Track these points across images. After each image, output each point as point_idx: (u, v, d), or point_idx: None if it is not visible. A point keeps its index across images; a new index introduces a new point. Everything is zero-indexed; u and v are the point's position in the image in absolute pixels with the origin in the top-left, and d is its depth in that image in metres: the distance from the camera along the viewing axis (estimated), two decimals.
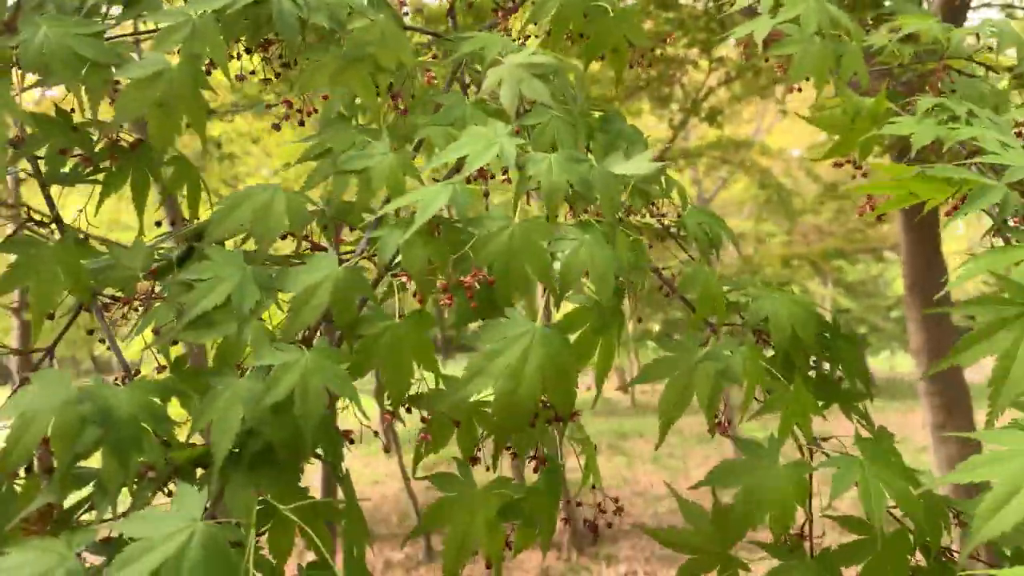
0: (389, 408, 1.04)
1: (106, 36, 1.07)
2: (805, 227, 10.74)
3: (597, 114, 1.44)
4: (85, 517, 0.99)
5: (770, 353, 1.35)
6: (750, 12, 1.73)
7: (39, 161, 1.12)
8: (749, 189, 10.35)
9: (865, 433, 1.27)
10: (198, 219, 1.22)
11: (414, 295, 1.14)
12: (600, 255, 1.08)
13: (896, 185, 1.21)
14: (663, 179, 1.35)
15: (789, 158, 10.88)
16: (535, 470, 1.11)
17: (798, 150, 11.51)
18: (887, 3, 1.90)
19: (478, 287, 1.01)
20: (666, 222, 1.40)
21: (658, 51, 1.68)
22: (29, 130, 1.05)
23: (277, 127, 1.17)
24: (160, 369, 1.05)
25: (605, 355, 1.13)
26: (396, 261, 1.08)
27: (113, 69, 1.04)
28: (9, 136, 0.96)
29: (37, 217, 1.11)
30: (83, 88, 1.06)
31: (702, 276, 1.28)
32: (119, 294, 1.07)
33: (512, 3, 1.40)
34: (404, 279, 1.05)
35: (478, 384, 1.00)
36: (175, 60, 1.08)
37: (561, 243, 1.08)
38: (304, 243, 1.15)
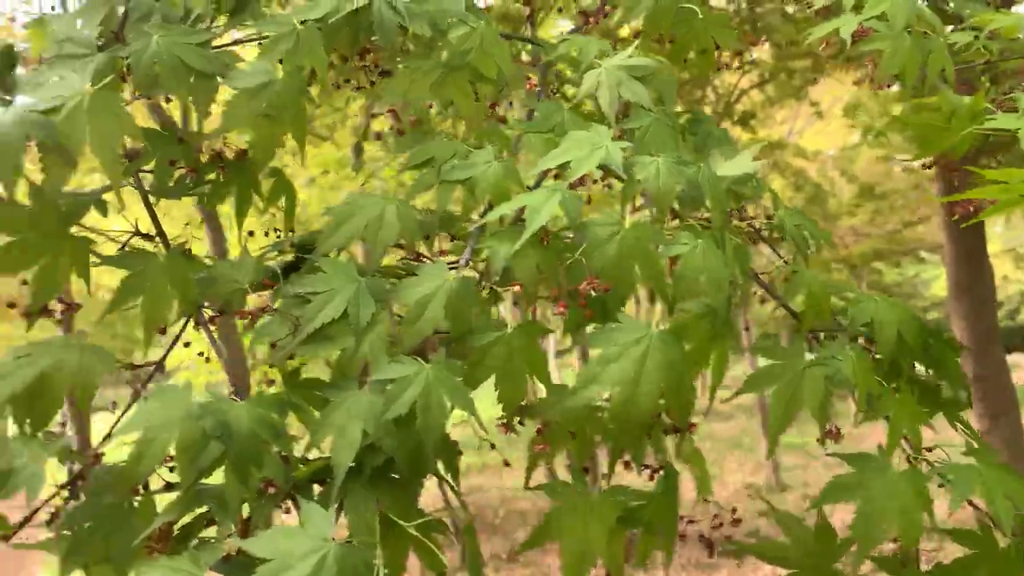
0: (503, 419, 1.02)
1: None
2: (841, 229, 10.61)
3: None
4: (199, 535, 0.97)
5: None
6: (826, 12, 1.70)
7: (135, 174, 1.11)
8: (783, 191, 10.25)
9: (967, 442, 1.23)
10: (292, 231, 1.20)
11: (514, 303, 1.12)
12: (714, 260, 1.05)
13: (1005, 189, 1.17)
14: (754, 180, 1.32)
15: (825, 159, 10.76)
16: (650, 479, 1.08)
17: (832, 151, 11.39)
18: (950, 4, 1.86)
19: (593, 294, 0.99)
20: (757, 224, 1.37)
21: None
22: (133, 143, 1.04)
23: (378, 136, 1.16)
24: (268, 383, 1.03)
25: (719, 363, 1.10)
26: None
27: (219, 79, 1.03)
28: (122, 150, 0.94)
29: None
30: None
31: (806, 280, 1.24)
32: (224, 307, 1.05)
33: (602, 8, 1.38)
34: (515, 288, 1.03)
35: (592, 392, 0.98)
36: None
37: (673, 248, 1.06)
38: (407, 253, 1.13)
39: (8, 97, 0.94)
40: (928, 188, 10.00)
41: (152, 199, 1.10)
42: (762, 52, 8.30)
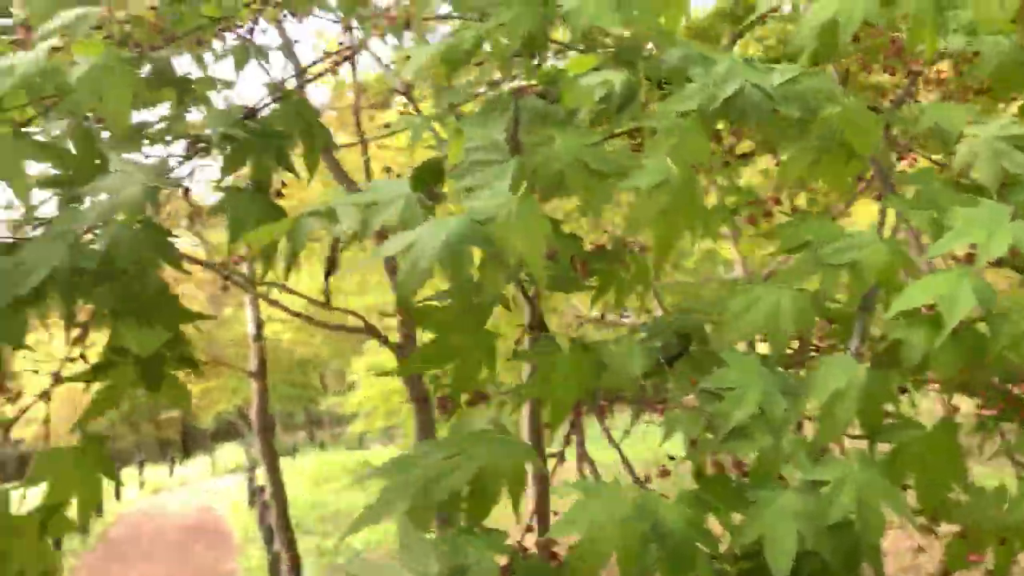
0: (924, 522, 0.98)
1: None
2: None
3: None
4: None
5: None
6: None
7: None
8: None
9: None
10: (647, 315, 1.21)
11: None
12: None
13: None
14: None
15: None
16: None
17: None
18: None
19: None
20: None
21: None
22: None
23: (752, 221, 1.16)
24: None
25: None
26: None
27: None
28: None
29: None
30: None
31: None
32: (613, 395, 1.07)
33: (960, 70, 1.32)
34: (931, 384, 0.98)
35: None
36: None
37: None
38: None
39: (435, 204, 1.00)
40: None
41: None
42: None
